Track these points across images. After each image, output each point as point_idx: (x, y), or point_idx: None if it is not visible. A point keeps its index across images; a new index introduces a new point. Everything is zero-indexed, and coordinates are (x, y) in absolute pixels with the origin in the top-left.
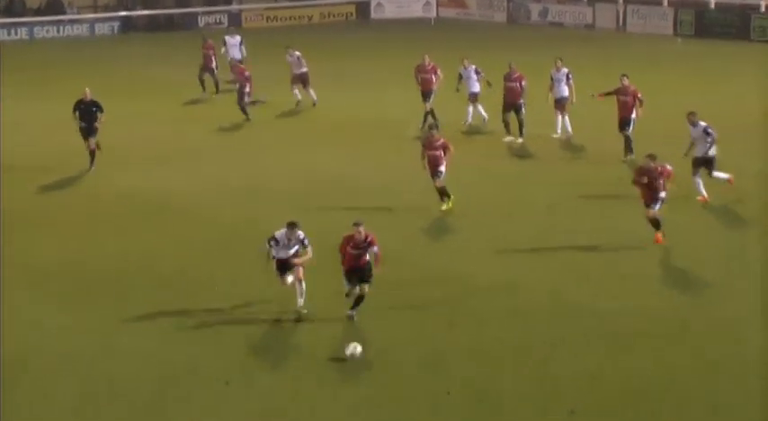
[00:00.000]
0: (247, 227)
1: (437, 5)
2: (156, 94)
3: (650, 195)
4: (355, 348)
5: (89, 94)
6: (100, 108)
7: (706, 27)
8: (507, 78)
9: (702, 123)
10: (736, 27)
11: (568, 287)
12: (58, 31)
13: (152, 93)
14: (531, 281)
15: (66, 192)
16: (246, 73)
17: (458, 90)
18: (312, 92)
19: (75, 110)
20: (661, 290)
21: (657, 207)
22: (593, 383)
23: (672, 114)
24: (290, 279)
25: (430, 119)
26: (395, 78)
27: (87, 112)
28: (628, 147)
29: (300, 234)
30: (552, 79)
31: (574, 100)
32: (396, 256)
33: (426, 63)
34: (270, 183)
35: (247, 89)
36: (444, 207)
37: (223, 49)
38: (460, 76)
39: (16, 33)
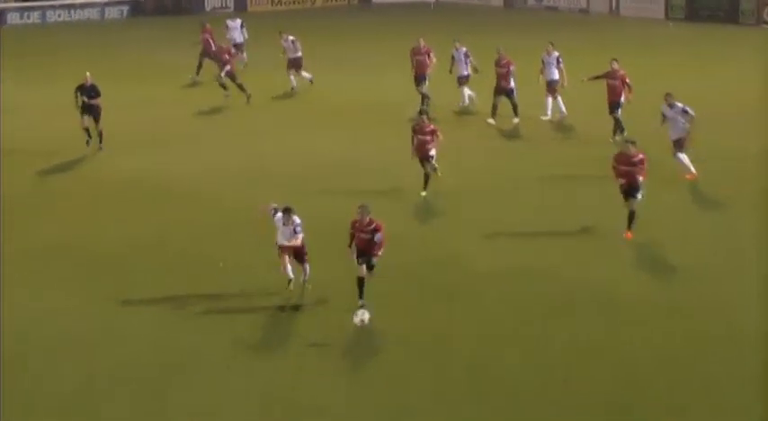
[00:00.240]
0: (248, 211)
1: None
2: (162, 78)
3: (627, 183)
4: (363, 314)
5: (89, 78)
6: (98, 93)
7: (696, 11)
8: (497, 64)
9: (679, 104)
10: (724, 11)
11: (563, 265)
12: (70, 15)
13: (158, 77)
14: (528, 260)
15: (67, 177)
16: (230, 53)
17: (450, 72)
18: (305, 73)
19: (75, 94)
20: (654, 267)
21: (639, 196)
22: (587, 355)
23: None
24: (289, 268)
25: (423, 104)
26: (395, 62)
27: (87, 97)
28: (618, 128)
29: (296, 219)
30: (543, 63)
31: (565, 83)
32: (396, 241)
33: (421, 46)
34: (271, 167)
35: (228, 67)
36: (423, 193)
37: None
38: (453, 58)
39: (29, 17)
